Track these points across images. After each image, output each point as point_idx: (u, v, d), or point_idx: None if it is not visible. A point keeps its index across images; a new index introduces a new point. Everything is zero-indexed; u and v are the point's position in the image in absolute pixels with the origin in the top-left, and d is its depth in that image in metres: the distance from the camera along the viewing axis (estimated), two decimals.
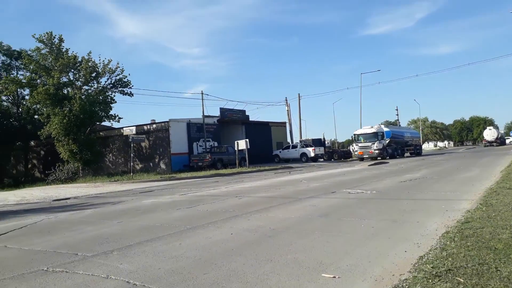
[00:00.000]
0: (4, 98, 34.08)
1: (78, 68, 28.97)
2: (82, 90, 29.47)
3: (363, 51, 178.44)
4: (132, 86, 30.86)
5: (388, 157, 36.03)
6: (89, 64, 28.74)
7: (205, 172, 25.70)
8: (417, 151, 43.72)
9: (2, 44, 33.76)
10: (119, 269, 4.27)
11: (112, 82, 30.12)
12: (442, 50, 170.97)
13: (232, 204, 9.39)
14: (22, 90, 33.91)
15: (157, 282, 3.78)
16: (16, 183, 30.06)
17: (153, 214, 8.72)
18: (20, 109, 34.70)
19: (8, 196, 18.02)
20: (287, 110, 44.90)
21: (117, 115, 30.08)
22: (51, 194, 17.02)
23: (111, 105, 29.90)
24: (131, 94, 31.01)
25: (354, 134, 38.01)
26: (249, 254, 4.64)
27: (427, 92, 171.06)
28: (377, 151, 35.08)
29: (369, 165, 25.03)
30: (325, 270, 3.93)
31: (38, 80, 29.97)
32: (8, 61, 34.43)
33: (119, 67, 29.80)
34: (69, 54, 28.75)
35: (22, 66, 33.20)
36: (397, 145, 38.91)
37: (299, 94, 47.94)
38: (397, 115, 60.05)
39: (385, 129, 37.81)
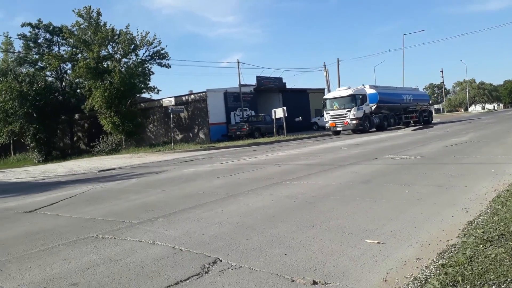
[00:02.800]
0: (48, 73, 35.27)
1: (117, 41, 29.40)
2: (121, 63, 29.99)
3: (405, 10, 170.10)
4: (169, 57, 31.09)
5: (373, 129, 27.87)
6: (127, 37, 29.07)
7: (243, 141, 25.85)
8: (424, 119, 33.68)
9: (43, 21, 34.62)
10: (165, 235, 4.39)
11: (150, 54, 30.46)
12: (491, 6, 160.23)
13: (271, 172, 9.40)
14: (64, 65, 34.87)
15: (202, 247, 3.86)
16: (64, 155, 31.47)
17: (195, 182, 8.89)
18: (64, 84, 35.87)
19: (57, 167, 18.95)
20: (326, 75, 43.85)
21: (156, 87, 30.55)
22: (97, 165, 17.73)
23: (150, 77, 30.36)
24: (168, 66, 31.28)
25: (325, 99, 28.90)
26: (290, 220, 4.64)
27: (475, 52, 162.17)
28: (354, 121, 25.98)
29: (412, 130, 24.42)
30: (369, 236, 3.86)
31: (79, 55, 30.73)
32: (50, 38, 35.40)
33: (156, 39, 30.03)
34: (107, 28, 29.19)
35: (64, 41, 34.08)
36: (390, 112, 30.01)
37: (338, 58, 46.69)
38: (442, 77, 57.94)
39: (370, 90, 28.65)
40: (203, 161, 14.96)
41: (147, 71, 30.26)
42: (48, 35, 35.14)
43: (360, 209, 4.99)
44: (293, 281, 2.94)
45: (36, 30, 34.38)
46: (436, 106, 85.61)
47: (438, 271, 2.83)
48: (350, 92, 26.90)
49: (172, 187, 8.32)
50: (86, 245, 4.27)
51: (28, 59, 35.69)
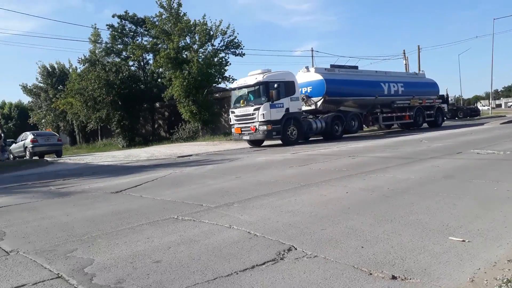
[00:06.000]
0: (131, 63, 37.51)
1: (194, 31, 30.40)
2: (199, 53, 30.98)
3: None
4: (244, 46, 31.50)
5: (301, 139, 17.76)
6: (204, 27, 29.95)
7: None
8: (427, 120, 24.06)
9: (128, 12, 36.80)
10: (240, 220, 4.50)
11: (225, 43, 31.09)
12: None
13: (345, 164, 9.21)
14: (146, 55, 36.82)
15: (276, 234, 3.90)
16: (145, 141, 33.42)
17: (267, 170, 8.99)
18: (146, 73, 37.95)
19: (140, 152, 20.20)
20: (405, 64, 41.78)
21: (231, 77, 31.19)
22: (176, 151, 18.60)
23: (226, 67, 31.04)
24: (242, 55, 31.70)
25: (231, 90, 20.47)
26: (366, 213, 4.52)
27: None
28: (263, 127, 16.33)
29: (501, 124, 22.35)
30: (453, 233, 3.64)
31: (160, 45, 32.26)
32: (134, 28, 37.54)
33: (230, 28, 30.54)
34: (185, 18, 30.27)
35: (146, 32, 35.96)
36: (355, 109, 20.58)
37: (418, 46, 43.92)
38: None
39: (311, 76, 19.19)
40: (274, 150, 15.06)
41: (223, 61, 30.97)
42: (132, 26, 37.31)
43: (442, 205, 4.71)
44: (371, 274, 2.86)
45: (123, 22, 36.63)
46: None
47: None
48: (260, 78, 16.64)
49: (246, 174, 8.49)
50: (168, 226, 4.51)
51: (114, 49, 38.14)
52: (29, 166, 16.19)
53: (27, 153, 23.40)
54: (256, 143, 18.17)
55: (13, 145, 26.14)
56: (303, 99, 18.64)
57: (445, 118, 27.17)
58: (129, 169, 11.93)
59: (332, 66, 21.02)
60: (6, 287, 2.99)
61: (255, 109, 16.61)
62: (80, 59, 37.34)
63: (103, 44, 38.08)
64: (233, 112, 18.08)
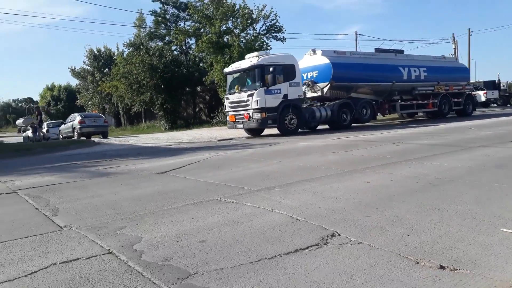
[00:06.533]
0: (174, 48, 38.08)
1: (236, 15, 30.37)
2: (240, 38, 30.96)
3: None
4: (285, 30, 31.17)
5: (301, 128, 16.96)
6: (245, 11, 29.84)
7: None
8: (454, 108, 22.10)
9: None
10: (282, 204, 4.52)
11: (266, 27, 30.87)
12: None
13: (389, 150, 8.99)
14: (188, 40, 37.24)
15: (319, 219, 3.88)
16: (187, 124, 34.05)
17: (308, 156, 8.93)
18: (188, 58, 38.44)
19: (182, 135, 20.66)
20: (454, 48, 39.88)
21: None
22: (216, 134, 18.87)
23: (266, 51, 30.84)
24: (283, 39, 31.41)
25: (225, 74, 18.76)
26: (412, 201, 4.40)
27: None
28: (257, 115, 15.02)
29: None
30: (505, 225, 3.48)
31: (202, 30, 32.50)
32: (177, 13, 38.01)
33: (272, 12, 30.28)
34: (227, 2, 30.25)
35: (188, 17, 36.31)
36: (368, 96, 19.00)
37: (469, 29, 41.80)
38: None
39: (317, 60, 17.69)
40: (316, 135, 14.92)
41: (264, 46, 30.81)
42: (175, 11, 37.78)
43: (493, 195, 4.51)
44: (418, 263, 2.80)
45: (165, 6, 37.14)
46: None
47: None
48: (254, 61, 15.35)
49: (286, 159, 8.48)
50: (211, 207, 4.60)
51: (157, 34, 38.84)
52: (77, 146, 16.96)
53: (75, 133, 24.48)
54: (253, 132, 16.78)
55: (62, 126, 27.43)
56: (308, 85, 17.41)
57: (475, 107, 24.93)
58: (172, 151, 12.22)
59: (332, 52, 18.65)
60: (62, 260, 3.16)
61: (249, 95, 15.20)
62: (125, 43, 38.38)
63: (147, 29, 38.85)
64: (227, 99, 16.76)
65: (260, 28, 30.90)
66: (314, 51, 18.12)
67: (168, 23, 38.14)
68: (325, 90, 17.30)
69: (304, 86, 17.24)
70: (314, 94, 17.69)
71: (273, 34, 31.11)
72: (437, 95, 21.10)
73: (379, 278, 2.60)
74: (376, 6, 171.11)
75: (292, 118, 15.67)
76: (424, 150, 8.68)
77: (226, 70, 17.44)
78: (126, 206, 4.94)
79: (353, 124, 18.20)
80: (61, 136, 26.53)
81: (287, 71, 15.60)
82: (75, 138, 23.97)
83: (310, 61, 18.03)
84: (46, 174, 8.48)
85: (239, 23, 30.53)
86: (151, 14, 36.69)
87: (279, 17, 31.61)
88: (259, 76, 15.12)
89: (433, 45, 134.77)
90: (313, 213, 4.10)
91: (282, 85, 15.30)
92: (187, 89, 36.74)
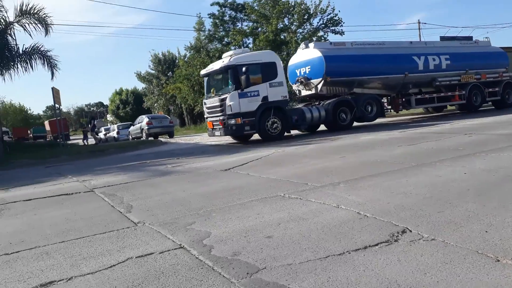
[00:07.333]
0: (232, 48, 38.75)
1: (292, 12, 30.25)
2: (297, 34, 30.81)
3: None
4: (343, 23, 30.54)
5: (300, 130, 16.01)
6: (302, 7, 29.63)
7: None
8: (489, 99, 19.15)
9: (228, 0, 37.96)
10: (348, 200, 4.44)
11: (324, 22, 30.45)
12: None
13: (461, 142, 8.50)
14: (246, 40, 37.72)
15: (388, 215, 3.76)
16: None
17: (373, 150, 8.68)
18: None
19: None
20: None
21: None
22: None
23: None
24: (342, 33, 30.80)
25: (202, 77, 17.16)
26: (490, 196, 4.13)
27: None
28: (231, 121, 13.46)
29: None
30: None
31: (259, 29, 32.74)
32: (234, 15, 38.65)
33: (329, 6, 29.84)
34: (283, 0, 30.21)
35: (246, 17, 36.75)
36: (385, 91, 17.32)
37: None
38: None
39: (309, 54, 15.96)
40: (379, 128, 14.47)
41: (321, 40, 30.40)
42: (232, 13, 38.43)
43: None
44: (498, 260, 2.62)
45: (223, 9, 37.89)
46: None
47: None
48: (226, 61, 13.82)
49: (349, 154, 8.30)
50: (276, 203, 4.63)
51: (216, 36, 39.70)
52: (146, 146, 17.85)
53: (143, 134, 25.79)
54: (239, 138, 15.07)
55: (131, 127, 28.98)
56: (301, 82, 15.77)
57: None
58: (234, 149, 12.45)
59: (328, 43, 17.65)
60: (137, 254, 3.34)
61: (222, 100, 13.67)
62: (186, 47, 39.66)
63: (206, 32, 39.87)
64: (205, 104, 15.19)
65: (318, 23, 30.54)
66: (306, 44, 16.51)
67: (226, 25, 38.87)
68: (319, 87, 15.39)
69: (297, 84, 16.05)
70: (309, 92, 16.03)
71: (331, 28, 30.61)
72: (465, 85, 18.17)
73: (455, 276, 2.47)
74: None
75: (274, 122, 13.80)
76: (502, 140, 8.06)
77: (202, 72, 15.93)
78: (194, 202, 5.11)
79: (357, 124, 16.55)
80: (130, 137, 28.06)
81: (267, 70, 13.79)
82: (144, 138, 25.24)
83: (303, 55, 16.32)
84: (119, 173, 9.02)
85: (295, 19, 30.37)
86: (210, 17, 37.63)
87: (339, 10, 31.00)
88: (232, 77, 13.49)
89: (505, 29, 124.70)
90: (381, 209, 3.99)
91: (261, 86, 13.57)
92: None
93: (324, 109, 15.01)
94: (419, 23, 31.06)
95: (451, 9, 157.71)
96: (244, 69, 13.13)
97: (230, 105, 13.30)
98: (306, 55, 16.05)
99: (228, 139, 16.02)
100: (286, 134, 14.69)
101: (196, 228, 3.91)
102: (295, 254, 3.01)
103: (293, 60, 16.94)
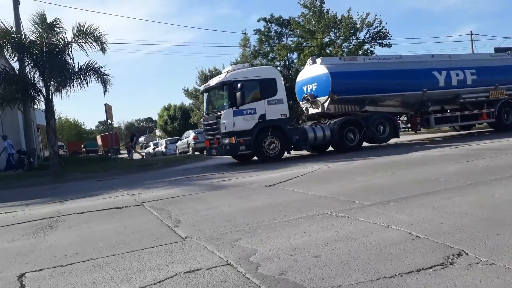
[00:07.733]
0: (277, 63, 39.04)
1: (338, 26, 30.10)
2: (343, 47, 30.57)
3: None
4: (391, 36, 29.97)
5: (288, 152, 14.06)
6: (348, 21, 29.43)
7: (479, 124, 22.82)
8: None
9: (274, 15, 38.49)
10: (399, 220, 4.28)
11: (371, 35, 30.05)
12: None
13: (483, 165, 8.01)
14: (291, 55, 37.93)
15: (442, 236, 3.58)
16: None
17: (424, 167, 8.37)
18: (290, 72, 39.05)
19: None
20: None
21: None
22: None
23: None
24: (389, 45, 30.21)
25: (202, 93, 17.35)
26: None
27: None
28: (226, 141, 12.88)
29: None
30: None
31: (304, 44, 32.80)
32: (279, 30, 39.08)
33: (377, 19, 29.44)
34: (329, 14, 30.15)
35: (291, 32, 37.00)
36: (402, 109, 16.29)
37: None
38: None
39: (313, 71, 15.37)
40: (429, 144, 13.95)
41: (368, 53, 29.98)
42: (278, 28, 38.89)
43: None
44: None
45: (269, 24, 38.42)
46: None
47: None
48: (222, 77, 13.43)
49: (399, 171, 8.06)
50: (322, 221, 4.55)
51: (261, 51, 40.23)
52: (192, 160, 18.24)
53: (190, 148, 26.36)
54: (242, 158, 14.23)
55: (179, 142, 29.72)
56: (307, 100, 15.08)
57: None
58: (278, 164, 12.40)
59: (336, 59, 16.75)
60: (185, 270, 3.37)
61: (217, 117, 13.15)
62: (232, 63, 40.40)
63: (251, 48, 40.50)
64: (203, 121, 14.69)
65: (364, 36, 30.19)
66: (314, 59, 15.63)
67: (271, 40, 39.30)
68: (326, 105, 14.50)
69: (304, 101, 15.45)
70: (316, 110, 15.16)
71: (378, 41, 30.14)
72: (495, 102, 16.74)
73: None
74: (490, 2, 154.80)
75: (272, 142, 13.08)
76: None
77: (201, 88, 14.60)
78: (239, 218, 5.13)
79: (367, 144, 15.48)
80: (177, 152, 28.78)
81: (266, 87, 13.13)
82: (190, 153, 25.77)
83: (310, 71, 15.52)
84: (167, 187, 9.24)
85: (341, 33, 30.20)
86: (256, 33, 38.24)
87: (385, 23, 30.44)
88: (228, 94, 12.92)
89: None
90: (434, 230, 3.81)
91: (258, 103, 12.94)
92: (290, 102, 37.22)
93: (329, 129, 14.12)
94: (471, 34, 29.91)
95: (506, 19, 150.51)
96: (239, 85, 12.59)
97: (224, 123, 12.77)
98: (312, 71, 15.36)
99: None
100: (287, 154, 14.11)
101: (242, 245, 3.91)
102: (344, 275, 2.93)
103: (300, 77, 16.43)
